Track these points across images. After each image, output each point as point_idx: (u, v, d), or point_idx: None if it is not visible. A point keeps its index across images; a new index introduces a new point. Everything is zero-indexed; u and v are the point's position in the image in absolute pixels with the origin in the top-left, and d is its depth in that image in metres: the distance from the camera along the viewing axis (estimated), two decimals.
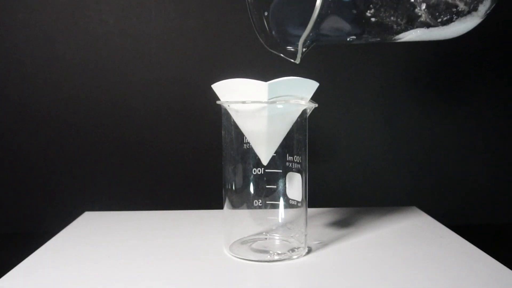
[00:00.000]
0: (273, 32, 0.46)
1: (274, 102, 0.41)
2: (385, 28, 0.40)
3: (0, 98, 0.70)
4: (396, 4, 0.39)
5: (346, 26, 0.41)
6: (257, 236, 0.49)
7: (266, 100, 0.41)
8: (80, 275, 0.42)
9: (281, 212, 0.47)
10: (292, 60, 0.45)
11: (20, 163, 0.71)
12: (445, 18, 0.40)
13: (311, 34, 0.40)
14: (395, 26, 0.40)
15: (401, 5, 0.39)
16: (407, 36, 0.41)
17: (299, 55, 0.43)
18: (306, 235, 0.47)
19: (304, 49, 0.43)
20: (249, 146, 0.45)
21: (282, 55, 0.46)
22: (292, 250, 0.46)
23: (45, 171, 0.71)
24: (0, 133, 0.71)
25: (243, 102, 0.42)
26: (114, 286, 0.40)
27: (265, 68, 0.71)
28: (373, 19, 0.40)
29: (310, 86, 0.44)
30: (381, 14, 0.39)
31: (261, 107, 0.41)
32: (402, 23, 0.40)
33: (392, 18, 0.39)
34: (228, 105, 0.44)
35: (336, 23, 0.41)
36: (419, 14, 0.39)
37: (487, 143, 0.74)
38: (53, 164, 0.71)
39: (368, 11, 0.39)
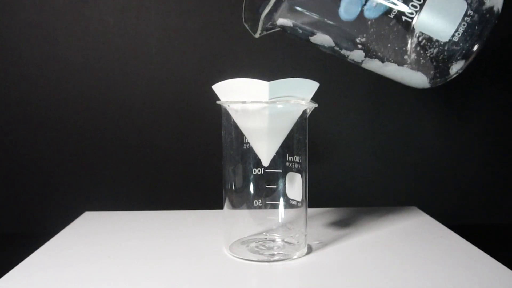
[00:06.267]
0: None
1: (274, 102, 0.41)
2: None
3: (0, 98, 0.70)
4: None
5: (314, 20, 0.41)
6: (257, 236, 0.49)
7: (267, 100, 0.41)
8: (80, 275, 0.42)
9: (281, 212, 0.47)
10: (253, 34, 0.44)
11: (20, 163, 0.71)
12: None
13: (273, 12, 0.40)
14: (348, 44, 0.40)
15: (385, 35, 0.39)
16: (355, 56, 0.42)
17: (259, 29, 0.43)
18: (306, 235, 0.47)
19: (265, 27, 0.42)
20: (249, 146, 0.45)
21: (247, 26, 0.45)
22: (293, 250, 0.46)
23: (45, 171, 0.71)
24: (0, 133, 0.71)
25: (243, 102, 0.42)
26: (114, 286, 0.40)
27: (265, 68, 0.71)
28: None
29: (310, 86, 0.44)
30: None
31: (262, 107, 0.41)
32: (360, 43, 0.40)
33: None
34: (228, 105, 0.44)
35: (304, 16, 0.40)
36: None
37: (487, 143, 0.74)
38: (53, 164, 0.71)
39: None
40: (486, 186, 0.75)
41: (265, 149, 0.44)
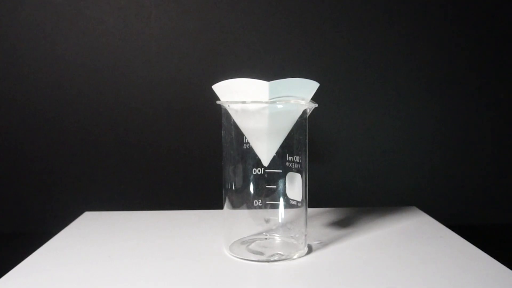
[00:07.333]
0: None
1: (274, 102, 0.41)
2: None
3: (0, 98, 0.70)
4: None
5: None
6: (257, 236, 0.49)
7: (267, 99, 0.41)
8: (80, 275, 0.42)
9: (281, 212, 0.47)
10: None
11: (20, 163, 0.71)
12: None
13: None
14: None
15: None
16: None
17: None
18: (306, 235, 0.47)
19: None
20: (249, 146, 0.45)
21: None
22: (293, 250, 0.46)
23: (45, 171, 0.71)
24: (0, 133, 0.71)
25: (243, 102, 0.42)
26: (114, 286, 0.40)
27: (265, 68, 0.71)
28: None
29: (310, 86, 0.44)
30: None
31: (262, 107, 0.41)
32: None
33: None
34: (228, 105, 0.44)
35: None
36: None
37: (487, 143, 0.74)
38: (53, 164, 0.71)
39: None
40: (486, 186, 0.75)
41: (265, 149, 0.44)
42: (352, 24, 0.72)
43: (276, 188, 0.46)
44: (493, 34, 0.73)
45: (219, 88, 0.44)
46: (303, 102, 0.44)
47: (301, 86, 0.43)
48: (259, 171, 0.46)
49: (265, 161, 0.45)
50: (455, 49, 0.73)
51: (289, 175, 0.46)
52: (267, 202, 0.47)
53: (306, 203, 0.47)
